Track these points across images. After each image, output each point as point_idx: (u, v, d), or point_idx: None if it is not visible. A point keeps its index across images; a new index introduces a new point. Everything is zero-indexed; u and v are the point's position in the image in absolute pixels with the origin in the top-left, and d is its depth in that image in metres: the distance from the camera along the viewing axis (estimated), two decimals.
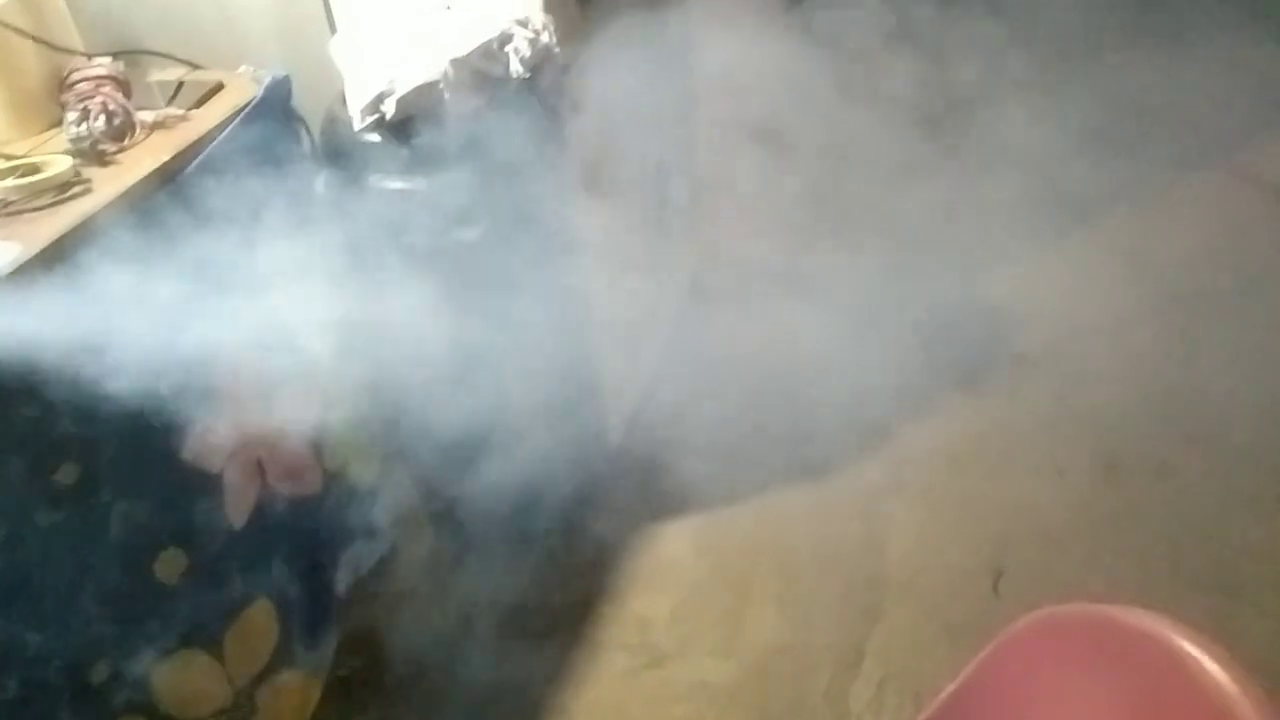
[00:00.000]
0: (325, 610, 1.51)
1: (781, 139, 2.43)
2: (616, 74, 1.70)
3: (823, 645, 1.71)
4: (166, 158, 1.20)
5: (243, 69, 1.41)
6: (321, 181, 1.46)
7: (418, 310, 1.46)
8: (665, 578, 1.85)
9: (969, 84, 2.80)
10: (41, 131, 1.31)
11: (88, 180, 1.17)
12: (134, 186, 1.16)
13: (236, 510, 1.34)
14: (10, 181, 1.15)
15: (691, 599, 1.81)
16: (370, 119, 1.38)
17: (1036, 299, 2.38)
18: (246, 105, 1.31)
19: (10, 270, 1.03)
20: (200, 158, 1.24)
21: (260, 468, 1.38)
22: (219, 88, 1.36)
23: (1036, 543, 1.85)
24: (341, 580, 1.55)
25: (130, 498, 1.18)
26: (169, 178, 1.21)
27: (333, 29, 1.66)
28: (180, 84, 1.40)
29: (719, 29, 2.31)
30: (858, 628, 1.73)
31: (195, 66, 1.42)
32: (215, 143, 1.26)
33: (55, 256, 1.08)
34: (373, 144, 1.43)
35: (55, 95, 1.30)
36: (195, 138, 1.25)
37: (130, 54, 1.35)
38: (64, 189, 1.16)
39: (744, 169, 2.33)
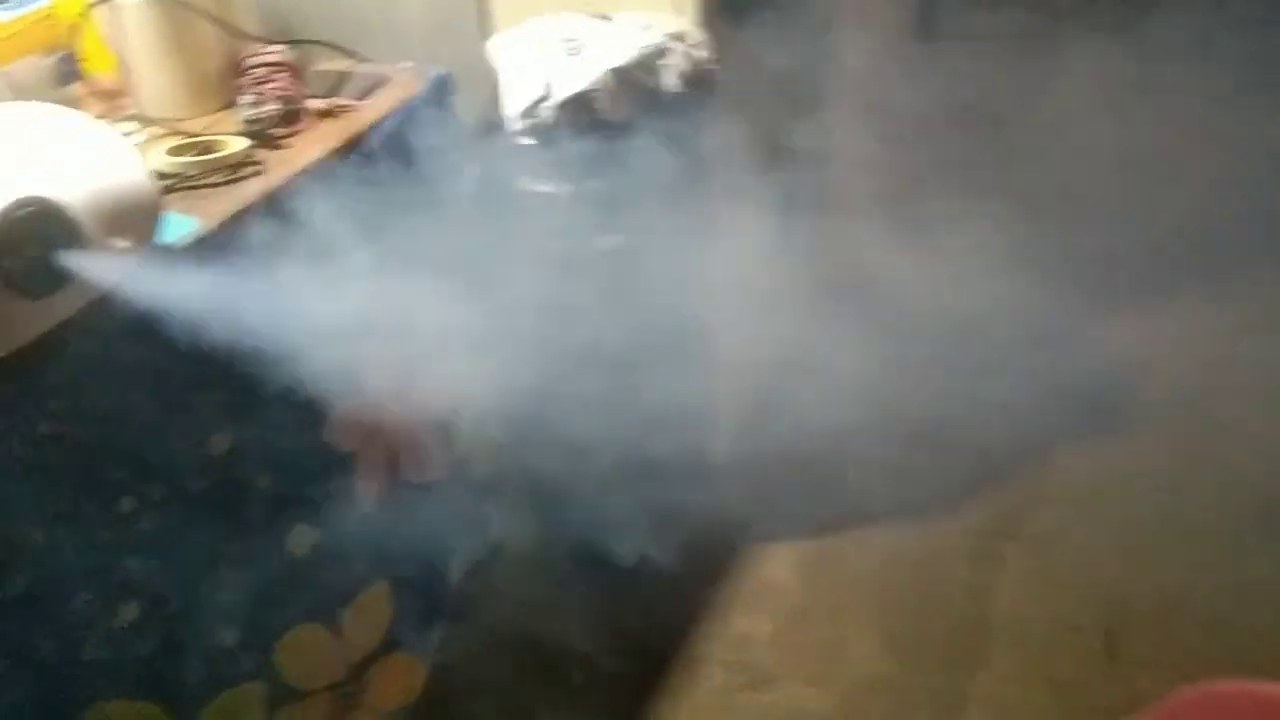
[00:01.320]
0: (437, 598, 1.53)
1: (914, 156, 2.42)
2: (760, 91, 1.71)
3: (924, 685, 1.68)
4: (334, 146, 1.24)
5: (405, 64, 1.45)
6: (470, 179, 1.49)
7: (547, 312, 1.49)
8: (766, 599, 1.83)
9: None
10: (215, 111, 1.36)
11: (259, 162, 1.22)
12: (302, 171, 1.20)
13: (366, 491, 1.37)
14: (189, 158, 1.20)
15: (792, 624, 1.79)
16: (527, 123, 1.40)
17: (1171, 347, 2.30)
18: (410, 100, 1.34)
19: (188, 242, 1.07)
20: (364, 148, 1.27)
21: (392, 453, 1.41)
22: (383, 81, 1.40)
23: (1154, 604, 1.79)
24: (455, 570, 1.57)
25: (272, 471, 1.22)
26: (334, 165, 1.24)
27: (484, 29, 1.71)
28: (344, 75, 1.45)
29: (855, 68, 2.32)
30: (961, 672, 1.69)
31: (359, 59, 1.46)
32: (379, 134, 1.29)
33: (228, 232, 1.12)
34: (524, 146, 1.46)
35: (230, 77, 1.36)
36: (361, 129, 1.28)
37: (300, 43, 1.40)
38: (236, 169, 1.21)
39: (876, 187, 2.32)
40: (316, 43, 1.42)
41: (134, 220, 0.99)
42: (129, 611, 1.08)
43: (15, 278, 0.87)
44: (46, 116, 1.01)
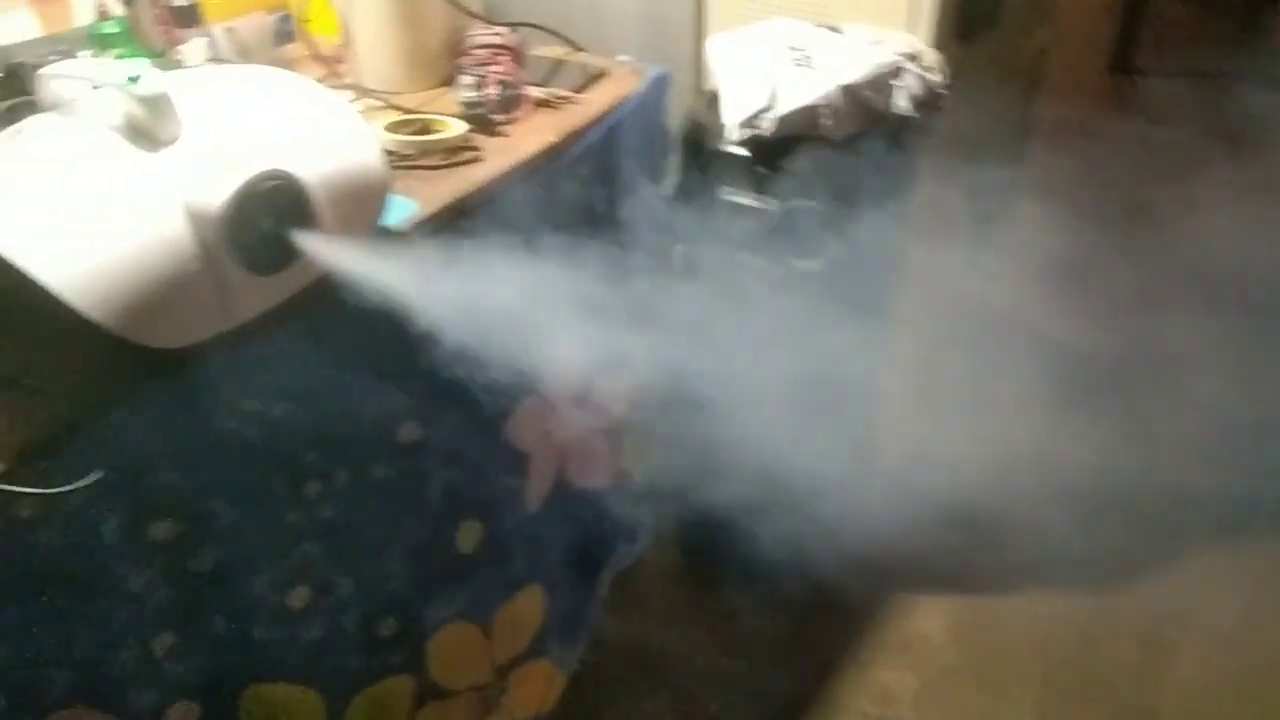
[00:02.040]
0: (584, 606, 1.49)
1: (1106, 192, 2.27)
2: (976, 123, 1.61)
3: None
4: (554, 139, 1.20)
5: (622, 58, 1.40)
6: (673, 182, 1.44)
7: (731, 328, 1.42)
8: (913, 654, 1.74)
9: None
10: (431, 87, 1.33)
11: (478, 148, 1.17)
12: (523, 162, 1.15)
13: (535, 493, 1.33)
14: (408, 136, 1.17)
15: (941, 683, 1.69)
16: (746, 133, 1.33)
17: None
18: (628, 98, 1.29)
19: (407, 226, 1.04)
20: (582, 144, 1.22)
21: (562, 455, 1.37)
22: (600, 74, 1.34)
23: None
24: (604, 581, 1.53)
25: (452, 465, 1.19)
26: (551, 158, 1.20)
27: (699, 27, 1.64)
28: (559, 63, 1.40)
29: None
30: None
31: (576, 48, 1.42)
32: (597, 130, 1.24)
33: (443, 219, 1.08)
34: (734, 156, 1.39)
35: (449, 55, 1.32)
36: (581, 123, 1.23)
37: (521, 25, 1.35)
38: (455, 152, 1.17)
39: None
40: (537, 27, 1.37)
41: (364, 201, 0.95)
42: (300, 595, 1.06)
43: (247, 251, 0.84)
44: (286, 84, 0.98)
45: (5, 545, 0.78)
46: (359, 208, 0.94)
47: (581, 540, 1.45)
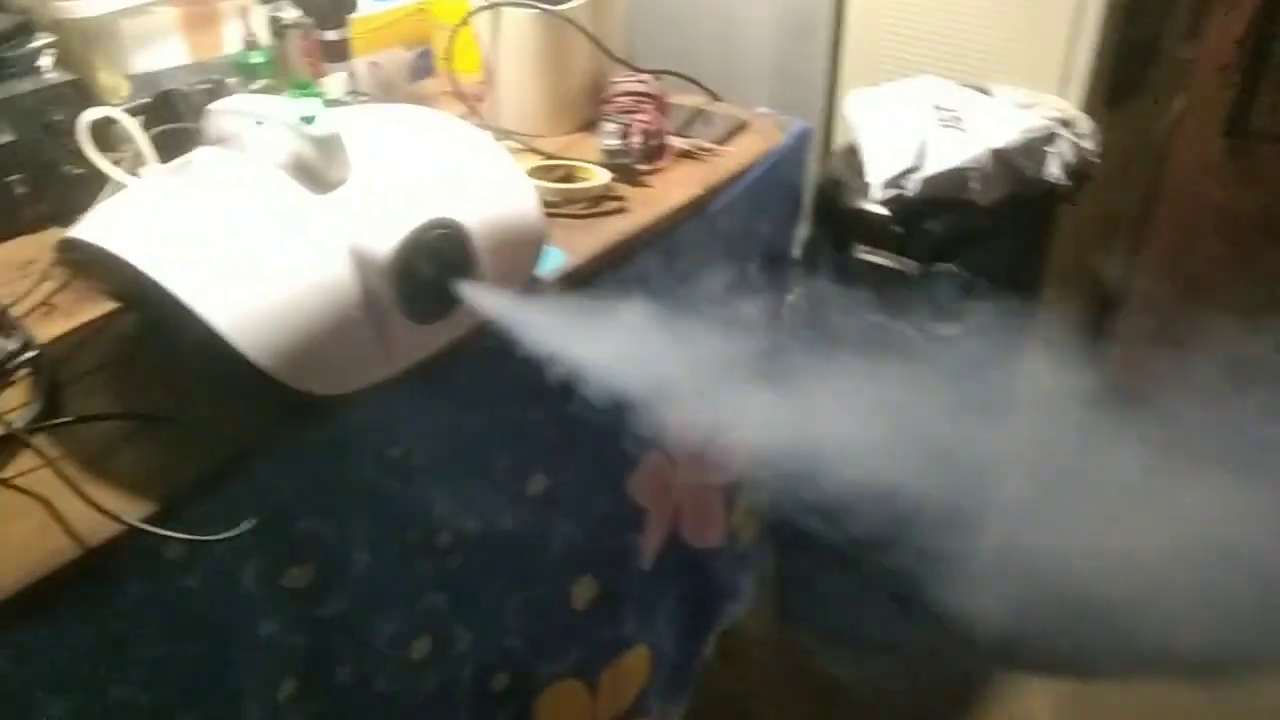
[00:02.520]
0: (688, 666, 1.45)
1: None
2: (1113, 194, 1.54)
3: None
4: (699, 192, 1.17)
5: (762, 110, 1.37)
6: (803, 238, 1.40)
7: (857, 389, 1.37)
8: None
9: None
10: (569, 132, 1.32)
11: (622, 198, 1.15)
12: (668, 214, 1.13)
13: (649, 550, 1.30)
14: (552, 183, 1.15)
15: None
16: (890, 193, 1.30)
17: None
18: (771, 152, 1.26)
19: (555, 276, 1.02)
20: (725, 197, 1.19)
21: (677, 512, 1.33)
22: (741, 126, 1.32)
23: None
24: (708, 642, 1.48)
25: (574, 519, 1.16)
26: (694, 211, 1.17)
27: (833, 80, 1.61)
28: (697, 112, 1.38)
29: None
30: None
31: (716, 98, 1.39)
32: (740, 184, 1.21)
33: (590, 269, 1.06)
34: (872, 214, 1.35)
35: (591, 100, 1.31)
36: (724, 176, 1.20)
37: (664, 74, 1.33)
38: (597, 201, 1.15)
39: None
40: (680, 76, 1.35)
41: (522, 250, 0.93)
42: (422, 647, 1.03)
43: (409, 300, 0.82)
44: (444, 125, 0.97)
45: (150, 588, 0.77)
46: (517, 257, 0.92)
47: (690, 599, 1.41)
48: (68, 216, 1.13)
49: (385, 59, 1.38)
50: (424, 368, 0.90)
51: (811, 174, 1.47)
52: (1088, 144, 1.32)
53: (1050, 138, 1.29)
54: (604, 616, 1.24)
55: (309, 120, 0.82)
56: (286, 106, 0.85)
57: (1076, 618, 1.76)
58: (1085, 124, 1.33)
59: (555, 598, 1.18)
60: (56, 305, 0.99)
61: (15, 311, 0.97)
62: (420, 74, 1.48)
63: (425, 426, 0.94)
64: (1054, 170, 1.29)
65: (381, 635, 0.98)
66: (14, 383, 0.88)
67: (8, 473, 0.78)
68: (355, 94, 1.34)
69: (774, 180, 1.26)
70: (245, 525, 0.76)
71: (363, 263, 0.80)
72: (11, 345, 0.89)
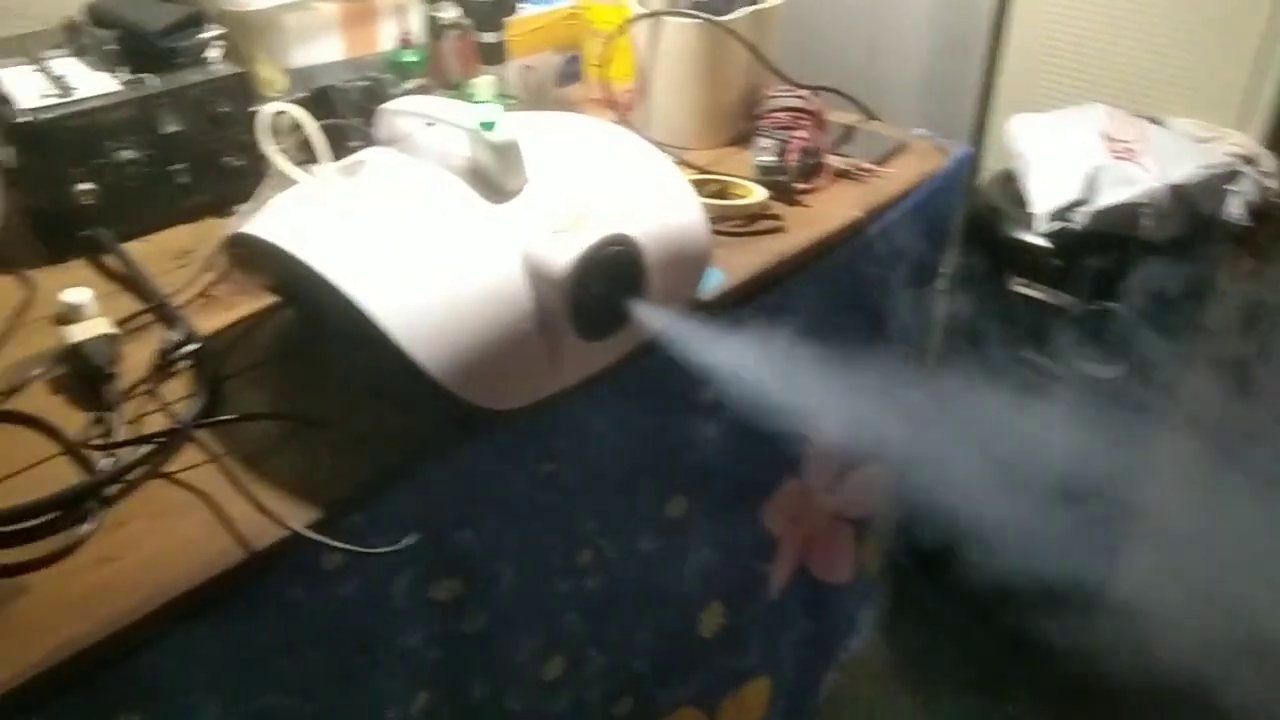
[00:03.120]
0: (806, 701, 1.40)
1: None
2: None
3: None
4: (858, 215, 1.12)
5: (919, 131, 1.32)
6: (954, 266, 1.34)
7: (1000, 427, 1.31)
8: None
9: None
10: (720, 145, 1.29)
11: (779, 217, 1.11)
12: (826, 236, 1.09)
13: (777, 580, 1.26)
14: (711, 200, 1.12)
15: None
16: (1055, 225, 1.23)
17: None
18: (932, 176, 1.20)
19: (713, 296, 0.98)
20: (884, 222, 1.15)
21: (807, 543, 1.29)
22: (899, 147, 1.27)
23: None
24: (827, 678, 1.43)
25: (709, 544, 1.12)
26: (852, 235, 1.12)
27: (987, 103, 1.55)
28: (851, 130, 1.33)
29: None
30: None
31: (871, 116, 1.34)
32: (899, 208, 1.16)
33: (746, 290, 1.02)
34: (1032, 246, 1.29)
35: (743, 113, 1.27)
36: (884, 199, 1.16)
37: (822, 90, 1.29)
38: (752, 219, 1.11)
39: None
40: (837, 93, 1.31)
41: (689, 268, 0.90)
42: (555, 666, 1.01)
43: (581, 316, 0.79)
44: (613, 136, 0.94)
45: (307, 595, 0.75)
46: (684, 275, 0.89)
47: (813, 632, 1.36)
48: (225, 207, 1.14)
49: (537, 62, 1.36)
50: (584, 384, 0.87)
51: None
52: (1272, 183, 1.24)
53: (1232, 175, 1.22)
54: (729, 645, 1.21)
55: (488, 126, 0.80)
56: (464, 110, 0.83)
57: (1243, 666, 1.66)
58: (1270, 162, 1.25)
59: (683, 623, 1.14)
60: (215, 297, 0.99)
61: (175, 302, 0.97)
62: (568, 79, 1.46)
63: (578, 443, 0.92)
64: (1235, 210, 1.21)
65: (518, 653, 0.96)
66: (176, 374, 0.88)
67: (172, 467, 0.78)
68: (505, 97, 1.33)
69: (931, 205, 1.21)
70: (409, 539, 0.74)
71: (538, 276, 0.77)
72: (175, 336, 0.89)
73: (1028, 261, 1.28)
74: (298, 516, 0.73)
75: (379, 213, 0.79)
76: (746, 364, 1.00)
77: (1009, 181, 1.32)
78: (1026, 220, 1.27)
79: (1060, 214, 1.22)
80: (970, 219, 1.38)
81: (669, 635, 1.13)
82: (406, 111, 0.88)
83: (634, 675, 1.11)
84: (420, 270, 0.75)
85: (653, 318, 0.84)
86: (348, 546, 0.71)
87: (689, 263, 0.89)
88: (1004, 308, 1.31)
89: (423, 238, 0.78)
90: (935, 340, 1.28)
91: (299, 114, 0.85)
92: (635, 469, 0.99)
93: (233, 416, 0.81)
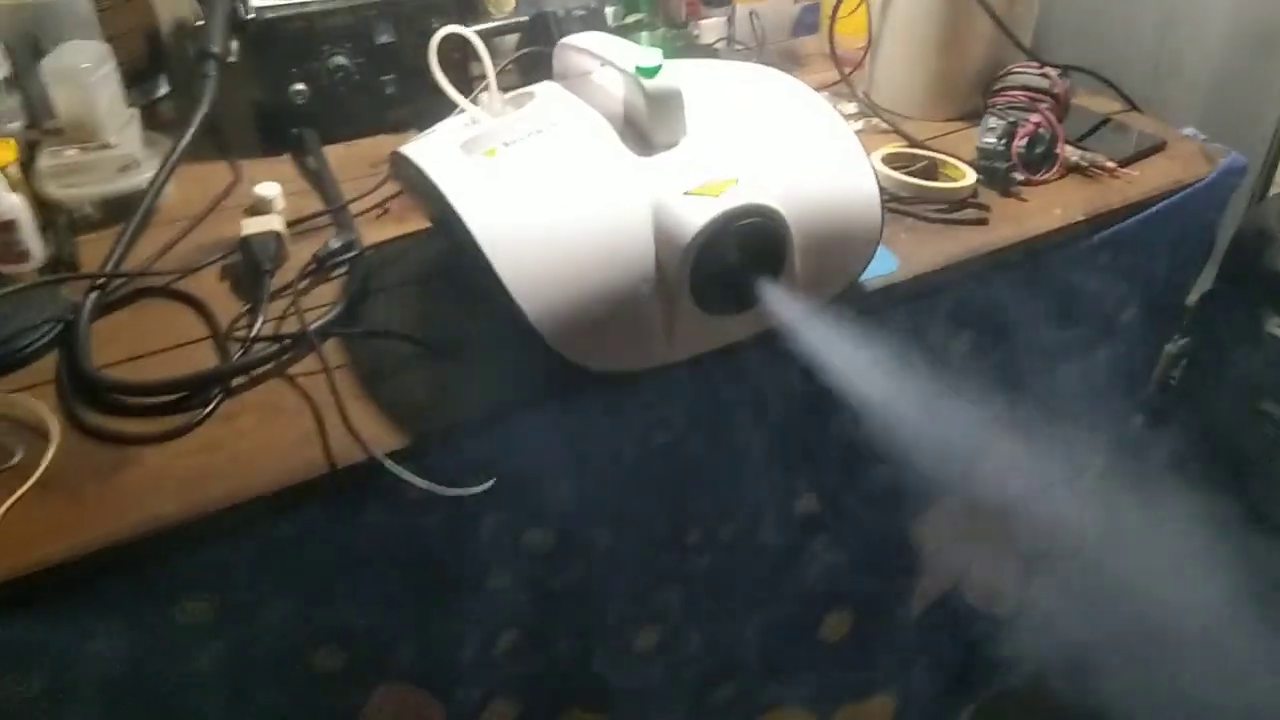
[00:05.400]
0: None
1: None
2: None
3: None
4: (1079, 217, 0.98)
5: (1188, 131, 1.14)
6: (1200, 295, 1.16)
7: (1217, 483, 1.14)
8: None
9: None
10: (948, 119, 1.17)
11: (986, 207, 1.00)
12: (1035, 237, 0.96)
13: (921, 599, 1.16)
14: (906, 175, 1.02)
15: None
16: None
17: None
18: (1191, 185, 1.04)
19: (880, 284, 0.89)
20: (1112, 230, 1.00)
21: (965, 568, 1.18)
22: (1156, 146, 1.10)
23: None
24: (968, 710, 1.32)
25: (841, 549, 1.05)
26: (1068, 240, 0.99)
27: None
28: (1104, 121, 1.17)
29: None
30: None
31: (1134, 107, 1.17)
32: (1138, 217, 1.01)
33: (924, 283, 0.92)
34: None
35: (978, 87, 1.15)
36: (1119, 203, 1.01)
37: (1073, 70, 1.13)
38: (956, 206, 1.00)
39: None
40: (1092, 74, 1.15)
41: (845, 254, 0.82)
42: (648, 637, 0.98)
43: (705, 288, 0.74)
44: (793, 96, 0.86)
45: (389, 520, 0.76)
46: (838, 260, 0.81)
47: (956, 661, 1.26)
48: (429, 122, 1.16)
49: (767, 9, 1.29)
50: (713, 357, 0.82)
51: (1233, 216, 1.22)
52: None
53: None
54: (853, 655, 1.13)
55: (649, 72, 0.75)
56: (629, 52, 0.79)
57: None
58: None
59: (801, 624, 1.08)
60: (390, 210, 1.01)
61: (353, 210, 1.00)
62: (804, 29, 1.38)
63: (700, 418, 0.87)
64: None
65: (609, 616, 0.94)
66: (331, 279, 0.91)
67: (296, 369, 0.80)
68: (731, 41, 1.27)
69: (1184, 217, 1.04)
70: (483, 485, 0.73)
71: (664, 239, 0.72)
72: (336, 243, 0.92)
73: None
74: (389, 442, 0.73)
75: (521, 154, 0.77)
76: (897, 374, 0.90)
77: None
78: None
79: None
80: (1236, 241, 1.18)
81: (784, 632, 1.07)
82: (580, 48, 0.85)
83: (738, 664, 1.06)
84: (543, 220, 0.73)
85: (787, 302, 0.77)
86: (418, 481, 0.71)
87: (847, 247, 0.81)
88: (1255, 349, 1.12)
89: (555, 187, 0.75)
90: (1164, 370, 1.11)
91: (475, 41, 0.84)
92: (762, 457, 0.93)
93: (356, 330, 0.83)
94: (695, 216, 0.71)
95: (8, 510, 0.67)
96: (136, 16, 1.16)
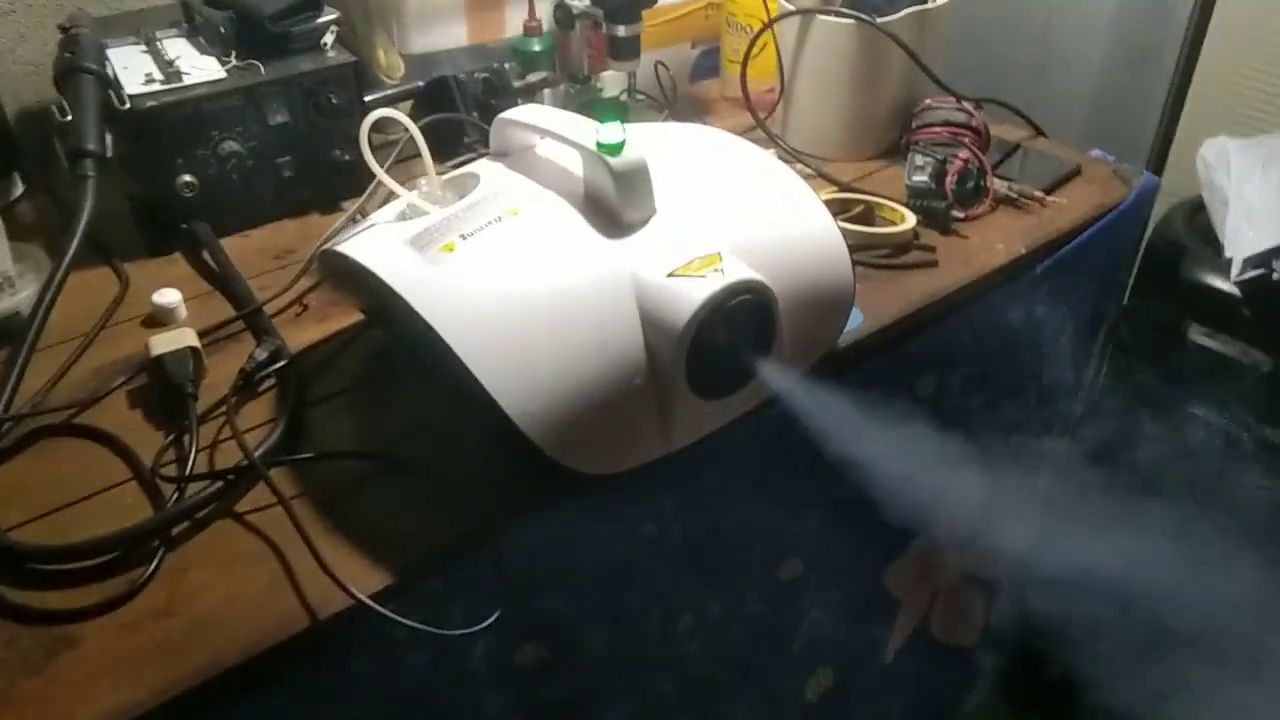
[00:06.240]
0: None
1: None
2: None
3: None
4: (1022, 250, 0.99)
5: (1095, 153, 1.16)
6: (1119, 309, 1.19)
7: (1164, 496, 1.16)
8: None
9: None
10: (864, 159, 1.16)
11: (932, 249, 0.98)
12: (986, 275, 0.95)
13: (892, 643, 1.14)
14: (846, 222, 1.00)
15: None
16: (1252, 272, 1.07)
17: None
18: (1114, 207, 1.05)
19: (851, 339, 0.86)
20: (1050, 261, 1.01)
21: (929, 606, 1.17)
22: (1070, 171, 1.12)
23: None
24: None
25: (824, 608, 1.02)
26: (1015, 273, 0.99)
27: (1170, 124, 1.37)
28: (1014, 149, 1.18)
29: None
30: None
31: (1040, 133, 1.19)
32: (1071, 246, 1.02)
33: (889, 334, 0.90)
34: (1219, 292, 1.13)
35: (895, 125, 1.14)
36: (1054, 233, 1.02)
37: (987, 102, 1.15)
38: (900, 250, 0.99)
39: None
40: (1003, 104, 1.16)
41: (827, 318, 0.79)
42: None
43: (699, 373, 0.69)
44: (751, 161, 0.83)
45: (375, 667, 0.68)
46: (821, 326, 0.78)
47: (927, 696, 1.24)
48: (331, 203, 1.08)
49: (668, 55, 1.26)
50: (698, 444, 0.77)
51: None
52: None
53: None
54: (834, 710, 1.10)
55: (613, 149, 0.70)
56: (585, 127, 0.74)
57: None
58: None
59: (788, 689, 1.05)
60: (309, 307, 0.93)
61: (269, 309, 0.91)
62: (702, 74, 1.36)
63: (685, 504, 0.82)
64: None
65: (604, 718, 0.87)
66: (260, 394, 0.82)
67: (244, 506, 0.71)
68: (633, 93, 1.23)
69: (1110, 238, 1.06)
70: (490, 618, 0.66)
71: (653, 326, 0.67)
72: (262, 354, 0.82)
73: (1214, 310, 1.12)
74: (370, 579, 0.65)
75: (484, 248, 0.70)
76: (880, 426, 0.88)
77: (1196, 215, 1.16)
78: (1216, 263, 1.11)
79: (1260, 260, 1.06)
80: (1147, 254, 1.22)
81: (771, 701, 1.03)
82: (524, 123, 0.79)
83: None
84: (522, 317, 0.67)
85: (779, 375, 0.73)
86: (422, 626, 0.63)
87: (828, 311, 0.78)
88: (1178, 358, 1.15)
89: (531, 279, 0.69)
90: (1097, 392, 1.13)
91: (409, 126, 0.77)
92: (748, 530, 0.89)
93: (310, 455, 0.74)
94: (686, 300, 0.66)
95: None
96: None
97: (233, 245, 1.00)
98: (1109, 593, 1.20)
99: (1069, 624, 1.32)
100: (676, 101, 1.22)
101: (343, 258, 0.73)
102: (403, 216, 0.76)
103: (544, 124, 0.76)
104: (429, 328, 0.65)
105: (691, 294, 0.66)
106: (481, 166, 0.80)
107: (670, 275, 0.68)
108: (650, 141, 0.76)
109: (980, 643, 1.28)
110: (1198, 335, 1.14)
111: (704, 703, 0.95)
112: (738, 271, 0.68)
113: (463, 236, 0.71)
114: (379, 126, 0.78)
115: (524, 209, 0.72)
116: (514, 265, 0.69)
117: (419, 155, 0.97)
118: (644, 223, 0.71)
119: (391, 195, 0.93)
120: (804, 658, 1.04)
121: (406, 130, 0.79)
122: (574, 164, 0.75)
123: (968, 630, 1.23)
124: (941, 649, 1.22)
